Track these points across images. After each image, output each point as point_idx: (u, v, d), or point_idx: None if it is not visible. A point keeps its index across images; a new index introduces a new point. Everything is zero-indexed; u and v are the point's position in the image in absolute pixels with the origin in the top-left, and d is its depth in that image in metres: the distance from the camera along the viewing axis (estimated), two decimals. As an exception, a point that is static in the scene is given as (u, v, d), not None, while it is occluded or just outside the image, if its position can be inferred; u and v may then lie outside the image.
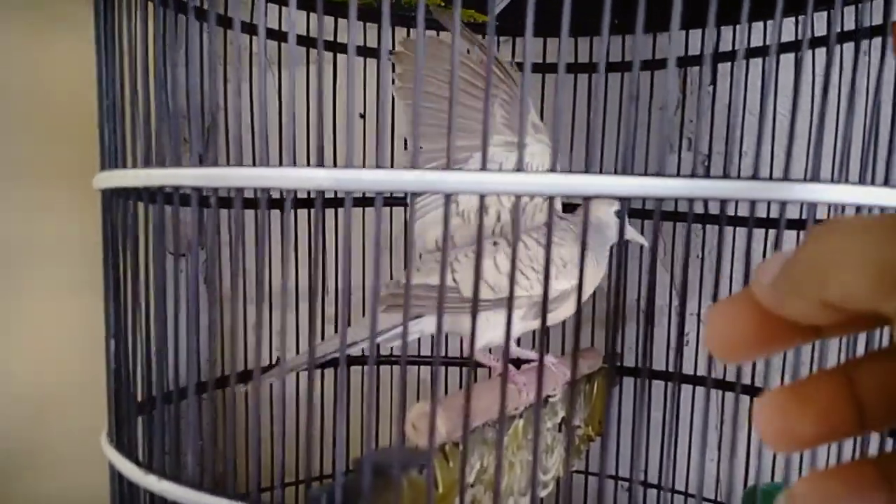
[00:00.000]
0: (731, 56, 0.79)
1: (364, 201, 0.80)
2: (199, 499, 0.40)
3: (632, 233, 0.68)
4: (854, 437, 0.21)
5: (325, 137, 0.79)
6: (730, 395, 0.84)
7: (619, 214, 0.64)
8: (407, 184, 0.35)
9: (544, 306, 0.38)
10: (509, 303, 0.38)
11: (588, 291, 0.65)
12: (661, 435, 0.83)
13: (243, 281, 0.65)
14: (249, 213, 0.40)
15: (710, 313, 0.23)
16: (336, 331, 0.81)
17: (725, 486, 0.42)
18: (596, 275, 0.64)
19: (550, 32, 0.81)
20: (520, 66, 0.84)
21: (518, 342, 0.77)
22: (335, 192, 0.75)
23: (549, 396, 0.65)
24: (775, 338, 0.22)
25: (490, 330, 0.60)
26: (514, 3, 0.79)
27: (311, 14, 0.77)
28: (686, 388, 0.83)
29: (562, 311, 0.62)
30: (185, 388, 0.46)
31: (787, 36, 0.77)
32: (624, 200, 0.36)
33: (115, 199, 0.48)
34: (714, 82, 0.87)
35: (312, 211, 0.40)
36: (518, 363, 0.65)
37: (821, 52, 0.72)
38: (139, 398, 0.49)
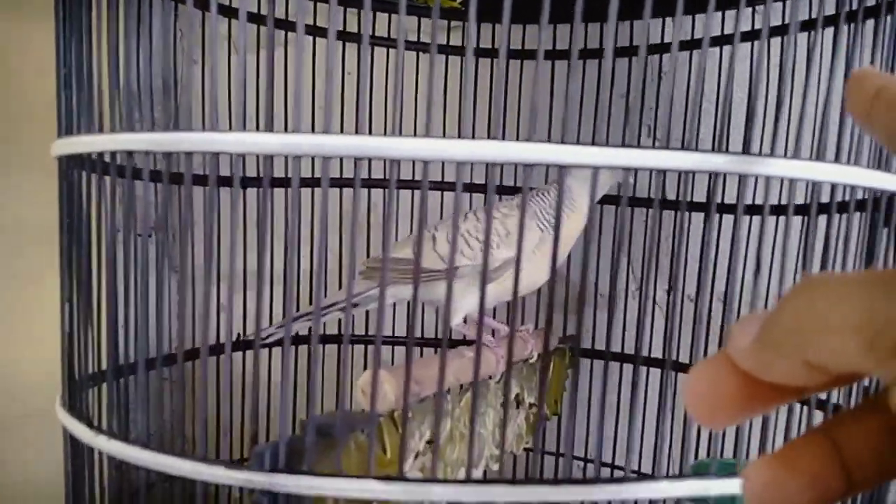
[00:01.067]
0: (692, 44, 0.81)
1: (313, 182, 0.80)
2: (145, 456, 0.41)
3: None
4: (844, 499, 0.21)
5: (288, 118, 0.80)
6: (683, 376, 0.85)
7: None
8: (352, 148, 0.36)
9: (483, 278, 0.39)
10: (450, 273, 0.39)
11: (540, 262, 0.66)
12: (616, 416, 0.85)
13: (191, 259, 0.65)
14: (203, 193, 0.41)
15: (689, 378, 0.22)
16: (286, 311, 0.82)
17: (678, 465, 0.43)
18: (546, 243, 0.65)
19: (529, 19, 0.83)
20: (497, 51, 0.85)
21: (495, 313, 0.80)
22: (284, 162, 0.76)
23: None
24: (757, 400, 0.21)
25: (464, 299, 0.63)
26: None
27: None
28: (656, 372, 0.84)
29: (512, 280, 0.63)
30: (135, 364, 0.47)
31: (747, 25, 0.79)
32: (563, 168, 0.38)
33: (70, 170, 0.49)
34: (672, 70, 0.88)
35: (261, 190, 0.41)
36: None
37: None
38: (91, 369, 0.49)
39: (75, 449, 0.49)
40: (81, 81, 0.47)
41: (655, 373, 0.83)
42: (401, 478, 0.38)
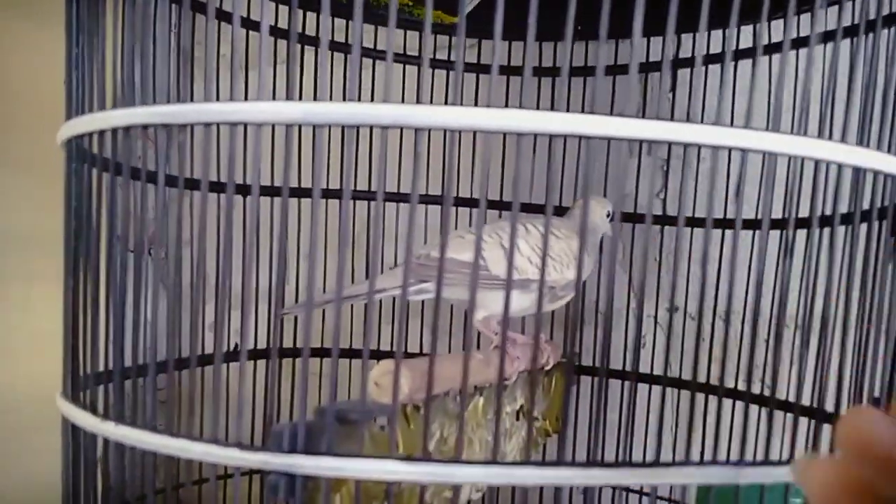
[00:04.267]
0: (690, 62, 0.81)
1: (330, 193, 0.80)
2: (154, 440, 0.40)
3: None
4: None
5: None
6: (685, 394, 0.84)
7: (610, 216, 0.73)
8: (377, 117, 0.36)
9: (541, 290, 0.38)
10: (508, 284, 0.38)
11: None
12: (617, 433, 0.83)
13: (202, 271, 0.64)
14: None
15: None
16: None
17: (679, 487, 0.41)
18: (589, 268, 0.72)
19: (515, 36, 0.83)
20: (486, 68, 0.86)
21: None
22: (270, 169, 0.74)
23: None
24: None
25: (496, 304, 0.62)
26: (480, 7, 0.81)
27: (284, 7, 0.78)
28: (642, 388, 0.83)
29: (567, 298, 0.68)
30: (145, 366, 0.45)
31: (745, 42, 0.80)
32: (552, 137, 0.37)
33: (78, 163, 0.47)
34: (674, 88, 0.89)
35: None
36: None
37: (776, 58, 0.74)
38: (99, 368, 0.47)
39: (77, 442, 0.47)
40: (91, 65, 0.46)
41: (657, 390, 0.82)
42: (425, 458, 0.37)
